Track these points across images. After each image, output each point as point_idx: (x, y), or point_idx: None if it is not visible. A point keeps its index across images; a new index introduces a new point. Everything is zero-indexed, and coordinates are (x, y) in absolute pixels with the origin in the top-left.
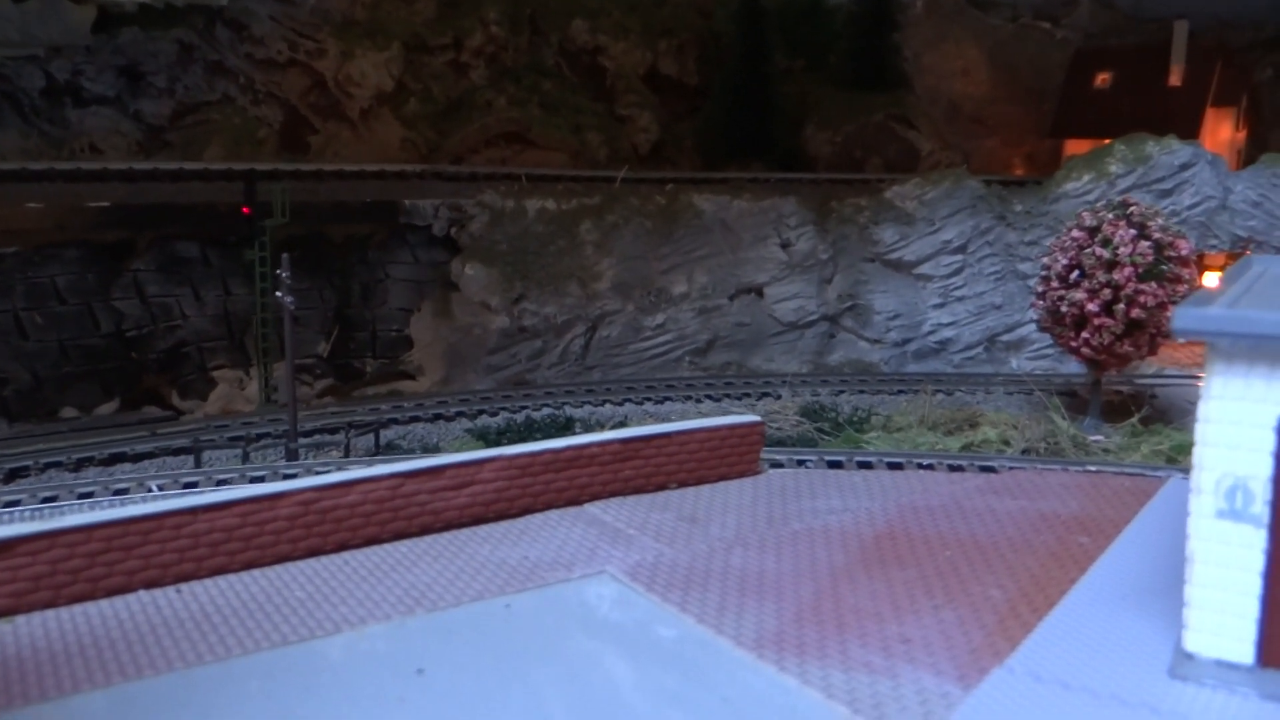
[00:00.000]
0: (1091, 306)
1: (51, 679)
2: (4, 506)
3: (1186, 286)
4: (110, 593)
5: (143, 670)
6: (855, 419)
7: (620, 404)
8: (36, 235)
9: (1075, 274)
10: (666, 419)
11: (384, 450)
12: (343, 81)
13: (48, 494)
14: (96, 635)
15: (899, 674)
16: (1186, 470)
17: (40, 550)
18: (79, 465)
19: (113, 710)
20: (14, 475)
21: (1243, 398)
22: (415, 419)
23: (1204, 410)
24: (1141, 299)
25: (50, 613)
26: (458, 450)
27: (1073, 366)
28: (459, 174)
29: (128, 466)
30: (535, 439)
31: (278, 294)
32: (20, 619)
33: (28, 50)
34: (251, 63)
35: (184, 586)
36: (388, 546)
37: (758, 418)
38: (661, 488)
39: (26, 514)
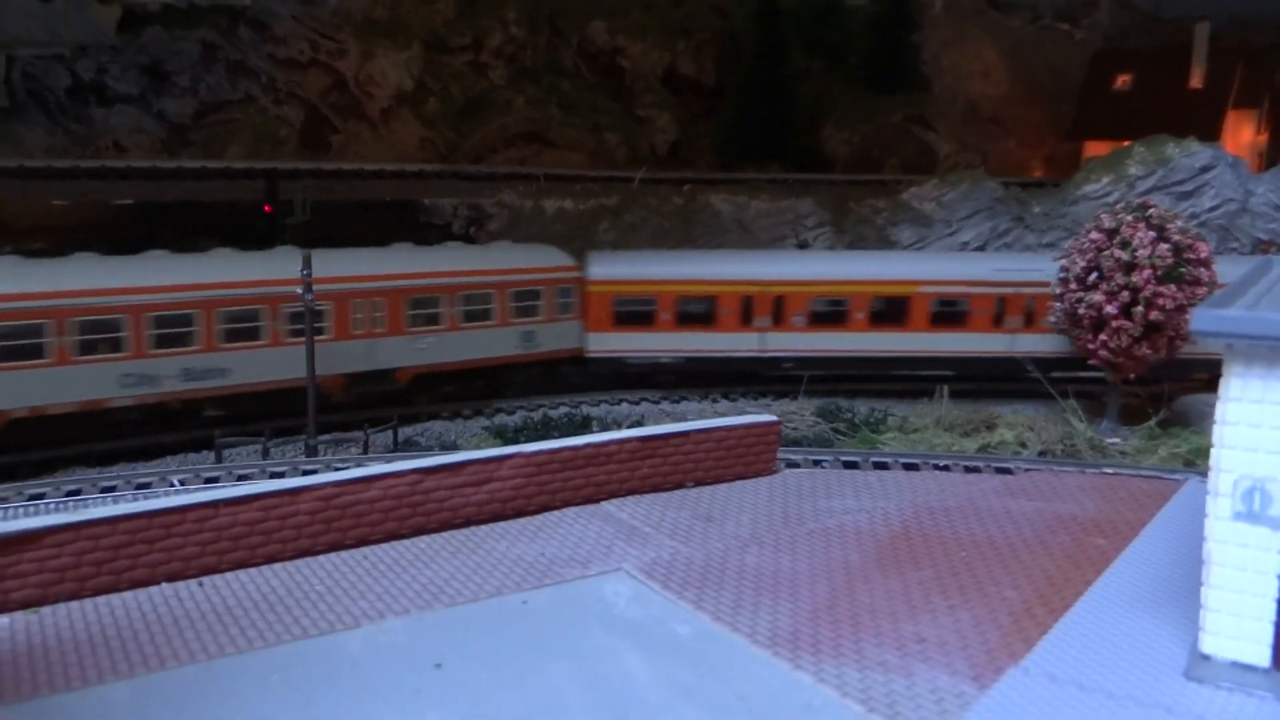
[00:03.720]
0: (1110, 309)
1: (76, 669)
2: (29, 500)
3: (1206, 289)
4: (133, 585)
5: (165, 661)
6: (871, 419)
7: (637, 403)
8: (62, 232)
9: (1094, 276)
10: (683, 418)
11: (402, 447)
12: (363, 81)
13: (71, 488)
14: (120, 627)
15: (914, 673)
16: (1205, 473)
17: (66, 542)
18: (102, 460)
19: (136, 700)
20: (39, 469)
21: (1261, 400)
22: (434, 416)
23: (1222, 412)
24: (1160, 301)
25: (75, 604)
26: (476, 448)
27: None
28: (478, 174)
29: (150, 461)
30: (553, 437)
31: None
32: (46, 610)
33: (54, 49)
34: (273, 62)
35: (206, 579)
36: (407, 542)
37: (774, 418)
38: (678, 486)
39: (51, 507)
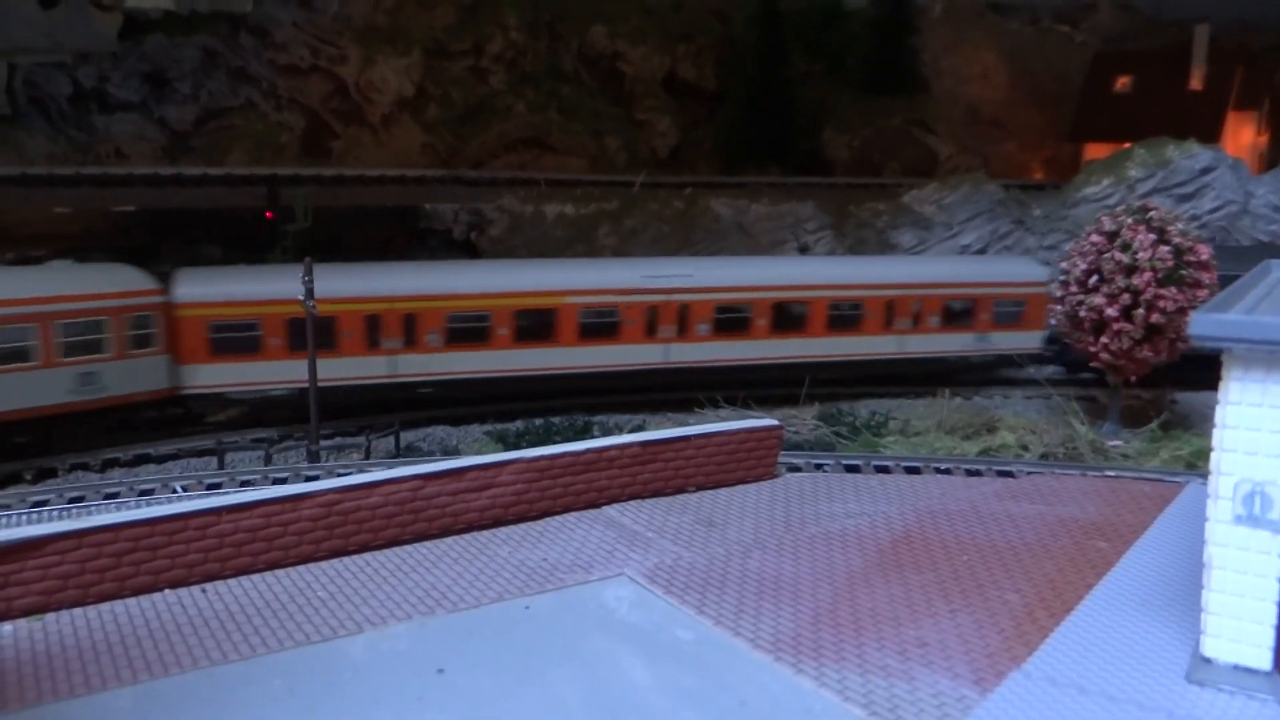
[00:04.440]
0: (1110, 311)
1: (80, 676)
2: (32, 507)
3: (1206, 291)
4: (137, 591)
5: (168, 668)
6: (873, 423)
7: (638, 408)
8: (64, 239)
9: (1094, 279)
10: (685, 422)
11: (404, 452)
12: (364, 87)
13: (74, 494)
14: (123, 633)
15: (915, 677)
16: (1205, 475)
17: (69, 549)
18: (105, 466)
19: (139, 707)
20: (42, 475)
21: (1260, 403)
22: (435, 421)
23: (1221, 416)
24: (1161, 304)
25: (79, 611)
26: (477, 453)
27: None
28: (479, 179)
29: (152, 468)
30: (554, 442)
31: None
32: (50, 617)
33: (56, 57)
34: (274, 69)
35: (209, 586)
36: (409, 548)
37: (775, 421)
38: (680, 491)
39: (55, 514)
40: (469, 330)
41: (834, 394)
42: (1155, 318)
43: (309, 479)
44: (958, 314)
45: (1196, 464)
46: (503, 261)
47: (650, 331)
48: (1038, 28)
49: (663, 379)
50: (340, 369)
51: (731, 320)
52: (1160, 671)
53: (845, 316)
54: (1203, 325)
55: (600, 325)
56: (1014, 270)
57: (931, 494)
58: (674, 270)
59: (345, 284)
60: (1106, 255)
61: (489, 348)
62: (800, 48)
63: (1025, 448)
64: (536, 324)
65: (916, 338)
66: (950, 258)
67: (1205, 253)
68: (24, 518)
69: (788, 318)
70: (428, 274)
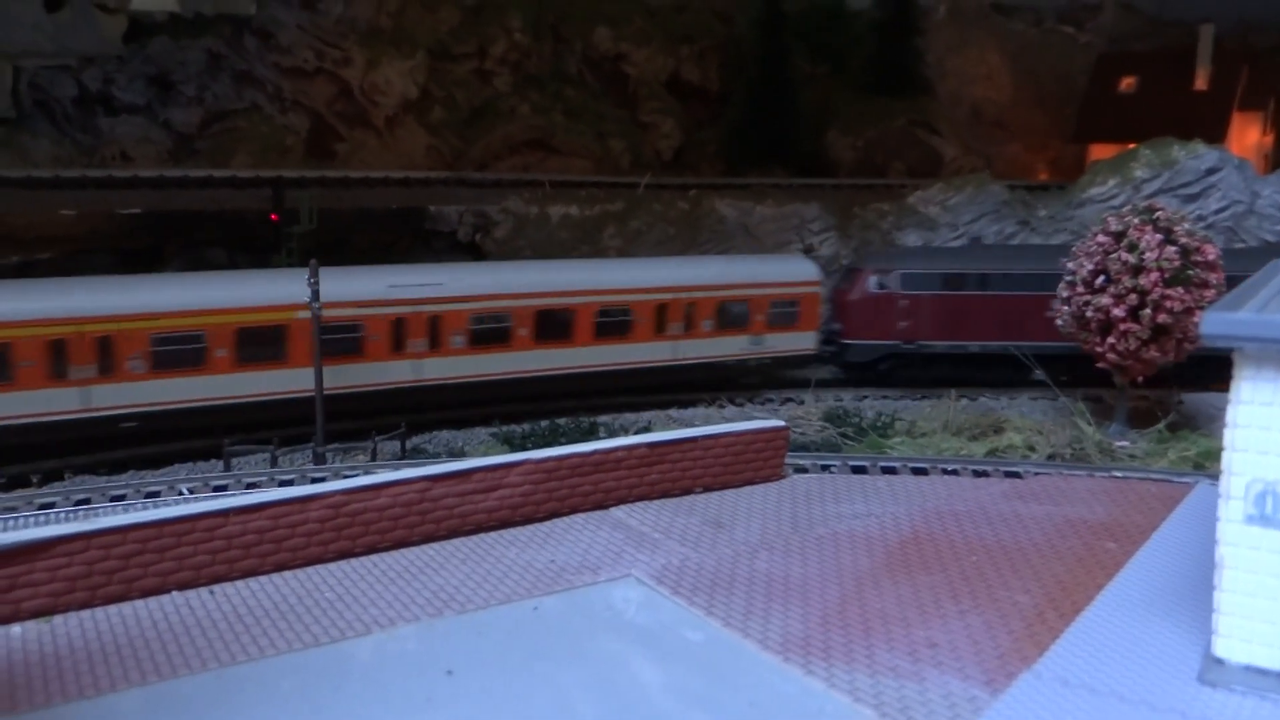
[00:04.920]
0: (1117, 312)
1: (89, 677)
2: (39, 509)
3: (1214, 291)
4: (145, 593)
5: (177, 670)
6: (879, 424)
7: (644, 409)
8: (69, 241)
9: (1101, 279)
10: (691, 424)
11: (410, 454)
12: (368, 89)
13: (81, 496)
14: (132, 635)
15: (926, 678)
16: (1213, 476)
17: (77, 551)
18: (112, 469)
19: (148, 708)
20: (48, 478)
21: (1272, 403)
22: (441, 423)
23: (1232, 415)
24: (1168, 304)
25: (87, 613)
26: (483, 454)
27: None
28: (483, 181)
29: (158, 471)
30: (560, 443)
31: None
32: (58, 619)
33: (61, 60)
34: (279, 71)
35: (217, 587)
36: (416, 549)
37: (782, 423)
38: (687, 492)
39: (62, 516)
40: (181, 353)
41: (840, 395)
42: (1162, 318)
43: (315, 481)
44: (732, 316)
45: (1204, 464)
46: (220, 274)
47: (398, 347)
48: (1042, 29)
49: (415, 398)
50: (18, 405)
51: (490, 331)
52: (1172, 672)
53: (615, 323)
54: (1214, 324)
55: (339, 342)
56: (787, 270)
57: (939, 495)
58: (423, 279)
59: (21, 304)
60: (1113, 255)
61: (205, 372)
62: (804, 49)
63: (1032, 448)
64: (262, 343)
65: (690, 342)
66: (722, 258)
67: (1212, 253)
68: (31, 520)
69: (553, 326)
70: (128, 289)
